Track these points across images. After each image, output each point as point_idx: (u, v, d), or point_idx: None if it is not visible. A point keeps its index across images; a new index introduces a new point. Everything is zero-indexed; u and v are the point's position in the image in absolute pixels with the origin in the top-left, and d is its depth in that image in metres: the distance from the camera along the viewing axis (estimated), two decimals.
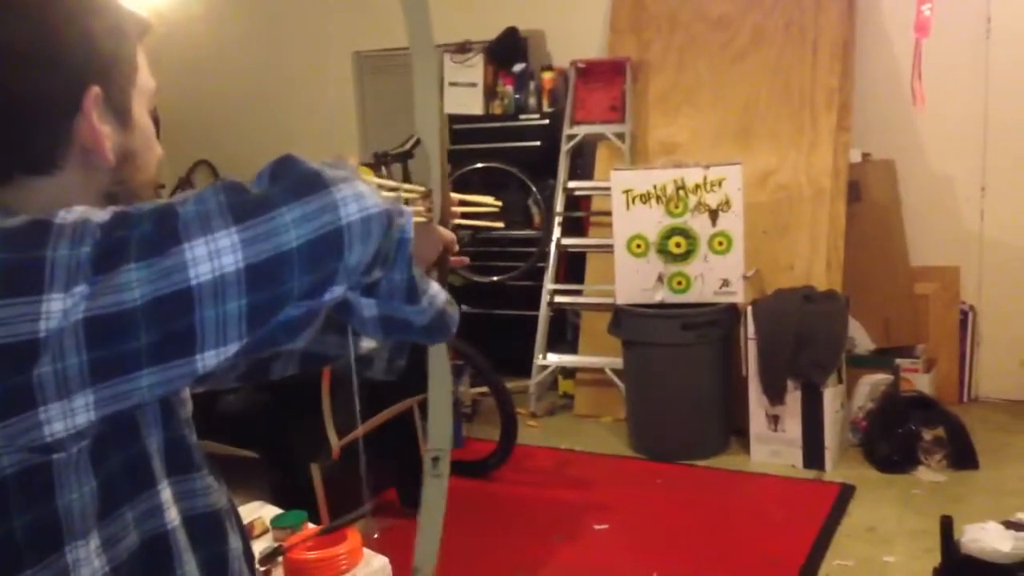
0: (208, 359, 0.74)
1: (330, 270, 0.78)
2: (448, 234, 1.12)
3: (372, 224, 0.80)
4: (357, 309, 0.90)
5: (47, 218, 0.72)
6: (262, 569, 2.15)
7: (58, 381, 0.70)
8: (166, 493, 0.87)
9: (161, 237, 0.72)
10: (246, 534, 1.02)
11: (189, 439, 0.94)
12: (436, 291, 0.97)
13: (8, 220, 0.73)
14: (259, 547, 2.26)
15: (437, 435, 1.18)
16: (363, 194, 0.80)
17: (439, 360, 1.14)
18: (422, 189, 1.16)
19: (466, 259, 1.22)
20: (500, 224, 1.31)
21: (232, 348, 0.75)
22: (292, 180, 0.78)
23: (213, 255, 0.72)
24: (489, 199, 1.27)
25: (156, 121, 0.96)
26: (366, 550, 2.39)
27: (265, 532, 2.35)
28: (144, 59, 0.91)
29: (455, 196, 1.22)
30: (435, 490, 1.19)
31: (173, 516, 0.88)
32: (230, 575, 0.95)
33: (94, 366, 0.71)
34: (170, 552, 0.87)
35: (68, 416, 0.71)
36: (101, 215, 0.74)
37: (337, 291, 0.80)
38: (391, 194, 1.14)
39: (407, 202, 1.16)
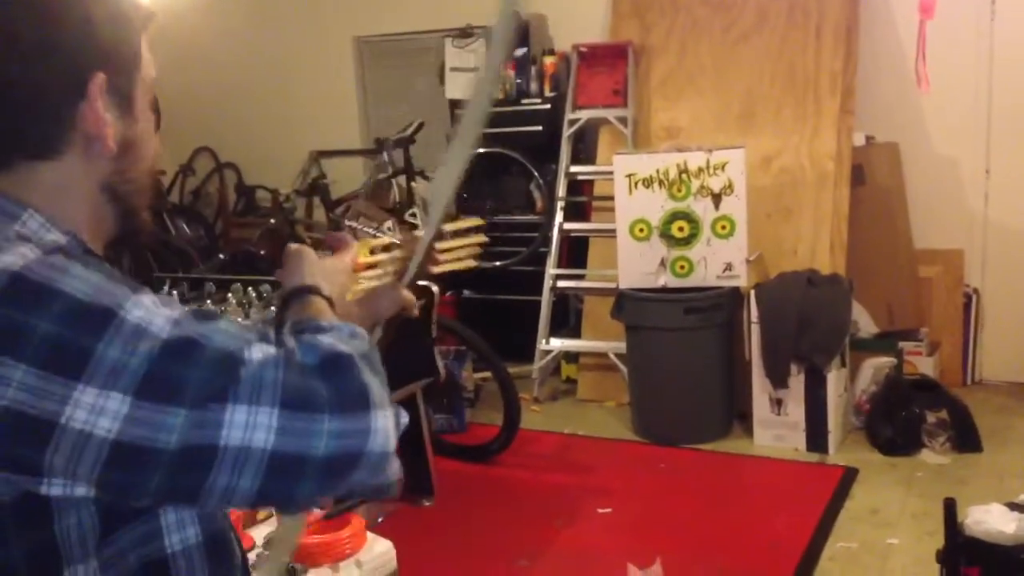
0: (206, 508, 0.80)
1: (333, 487, 0.79)
2: (409, 297, 1.15)
3: (387, 463, 0.81)
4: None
5: (114, 306, 0.73)
6: (267, 553, 2.15)
7: (67, 470, 0.73)
8: (170, 517, 0.85)
9: (215, 391, 0.73)
10: (242, 546, 0.99)
11: None
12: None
13: (81, 285, 0.74)
14: (263, 532, 2.27)
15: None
16: (390, 432, 0.80)
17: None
18: (397, 240, 1.20)
19: (416, 314, 1.22)
20: (473, 264, 1.33)
21: (236, 505, 0.78)
22: (345, 391, 0.78)
23: (249, 426, 0.73)
24: (475, 239, 1.31)
25: (157, 113, 0.96)
26: (369, 534, 2.40)
27: (269, 517, 2.35)
28: (148, 51, 0.90)
29: (445, 245, 1.26)
30: None
31: (175, 541, 0.85)
32: None
33: (103, 481, 0.74)
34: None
35: (68, 487, 0.75)
36: (165, 324, 0.74)
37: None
38: (382, 256, 1.18)
39: (389, 248, 1.21)
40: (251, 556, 2.09)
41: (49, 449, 0.71)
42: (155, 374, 0.72)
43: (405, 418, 0.85)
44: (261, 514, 2.33)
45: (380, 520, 3.27)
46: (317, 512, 2.35)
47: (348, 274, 1.11)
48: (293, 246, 1.07)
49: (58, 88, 0.81)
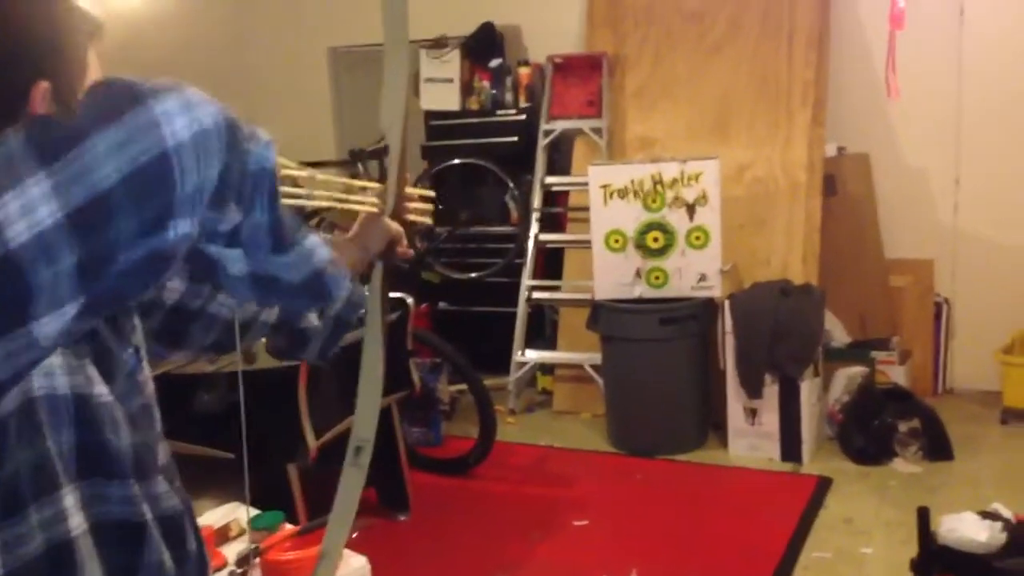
0: (45, 326, 0.67)
1: (163, 203, 0.69)
2: (396, 227, 1.13)
3: (210, 140, 0.72)
4: (223, 264, 0.83)
5: None
6: (239, 571, 2.12)
7: None
8: (70, 499, 0.82)
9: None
10: (201, 545, 0.96)
11: (115, 444, 0.87)
12: (313, 246, 0.91)
13: None
14: (236, 548, 2.24)
15: (362, 425, 1.15)
16: (193, 102, 0.71)
17: (372, 350, 1.13)
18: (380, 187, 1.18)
19: (411, 252, 1.21)
20: (429, 221, 1.33)
21: (70, 309, 0.67)
22: (103, 101, 0.69)
23: (26, 209, 0.64)
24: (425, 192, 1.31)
25: None
26: (345, 550, 2.37)
27: (242, 533, 2.32)
28: (96, 59, 0.88)
29: (413, 191, 1.23)
30: (352, 480, 1.16)
31: (78, 523, 0.82)
32: None
33: None
34: (73, 560, 0.83)
35: None
36: None
37: (182, 227, 0.71)
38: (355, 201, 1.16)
39: (365, 190, 1.18)
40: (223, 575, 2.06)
41: None
42: None
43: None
44: (233, 531, 2.30)
45: (355, 535, 3.24)
46: (289, 527, 2.32)
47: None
48: (372, 213, 1.12)
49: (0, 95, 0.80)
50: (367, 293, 1.15)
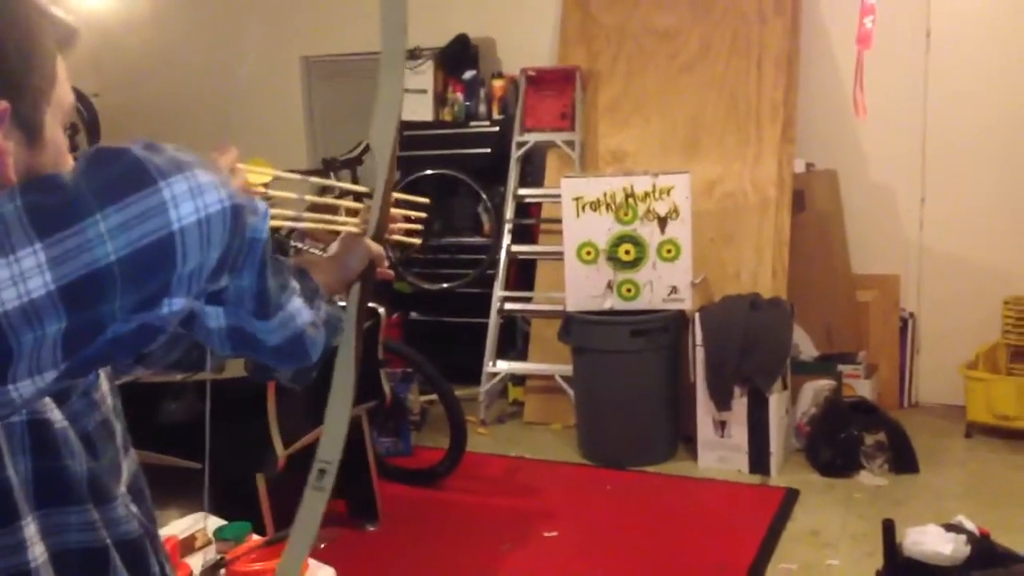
0: (23, 388, 0.66)
1: (160, 283, 0.68)
2: (377, 248, 1.11)
3: (213, 226, 0.70)
4: (202, 318, 0.82)
5: None
6: None
7: None
8: (31, 528, 0.79)
9: None
10: (164, 568, 0.94)
11: (72, 469, 0.84)
12: (296, 310, 0.89)
13: None
14: (201, 559, 2.21)
15: (327, 447, 1.12)
16: (203, 187, 0.70)
17: (344, 373, 1.11)
18: (365, 190, 1.15)
19: (391, 273, 1.20)
20: (417, 242, 1.32)
21: (49, 375, 0.67)
22: (109, 176, 0.67)
23: (17, 279, 0.63)
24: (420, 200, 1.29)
25: (96, 135, 0.90)
26: (312, 560, 2.35)
27: (208, 544, 2.29)
28: (64, 71, 0.82)
29: (399, 212, 1.22)
30: (314, 503, 1.12)
31: (39, 553, 0.79)
32: None
33: None
34: None
35: None
36: None
37: (178, 304, 0.71)
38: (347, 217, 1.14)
39: (353, 212, 1.17)
40: None
41: None
42: None
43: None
44: (199, 541, 2.28)
45: (323, 546, 3.21)
46: (256, 538, 2.30)
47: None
48: (354, 233, 1.09)
49: None
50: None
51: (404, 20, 1.06)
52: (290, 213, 1.09)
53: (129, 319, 0.68)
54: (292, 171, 1.32)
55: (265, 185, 1.10)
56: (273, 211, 1.04)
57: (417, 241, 1.32)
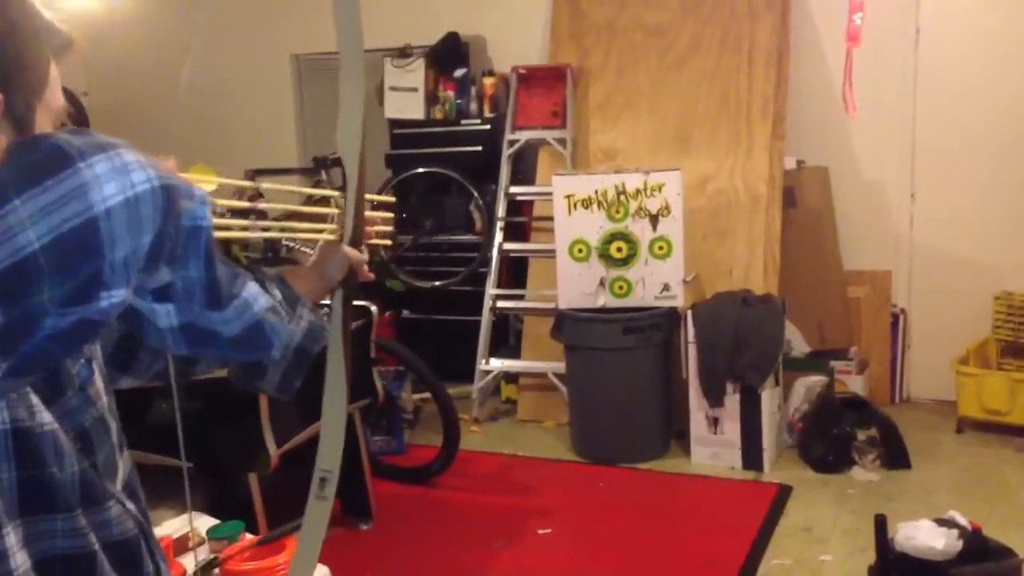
0: None
1: (91, 271, 0.66)
2: (355, 254, 1.11)
3: (142, 206, 0.68)
4: (152, 318, 0.80)
5: None
6: None
7: None
8: (12, 537, 0.78)
9: None
10: (159, 566, 0.93)
11: (57, 477, 0.83)
12: (252, 297, 0.88)
13: None
14: (195, 559, 2.21)
15: (326, 456, 1.11)
16: (128, 166, 0.68)
17: (336, 376, 1.10)
18: (334, 193, 1.17)
19: (372, 276, 1.19)
20: (389, 242, 1.32)
21: None
22: (29, 162, 0.65)
23: None
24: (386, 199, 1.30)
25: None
26: None
27: (201, 543, 2.29)
28: (57, 78, 0.84)
29: (374, 215, 1.22)
30: (318, 512, 1.12)
31: (20, 561, 0.78)
32: None
33: None
34: None
35: None
36: None
37: (117, 296, 0.69)
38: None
39: (332, 219, 1.17)
40: None
41: None
42: None
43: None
44: (192, 540, 2.27)
45: None
46: (250, 537, 2.30)
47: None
48: (331, 241, 1.09)
49: None
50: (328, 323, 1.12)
51: (359, 24, 1.04)
52: (275, 224, 1.09)
53: (65, 312, 0.66)
54: (282, 170, 1.32)
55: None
56: (219, 221, 1.03)
57: (388, 242, 1.32)
